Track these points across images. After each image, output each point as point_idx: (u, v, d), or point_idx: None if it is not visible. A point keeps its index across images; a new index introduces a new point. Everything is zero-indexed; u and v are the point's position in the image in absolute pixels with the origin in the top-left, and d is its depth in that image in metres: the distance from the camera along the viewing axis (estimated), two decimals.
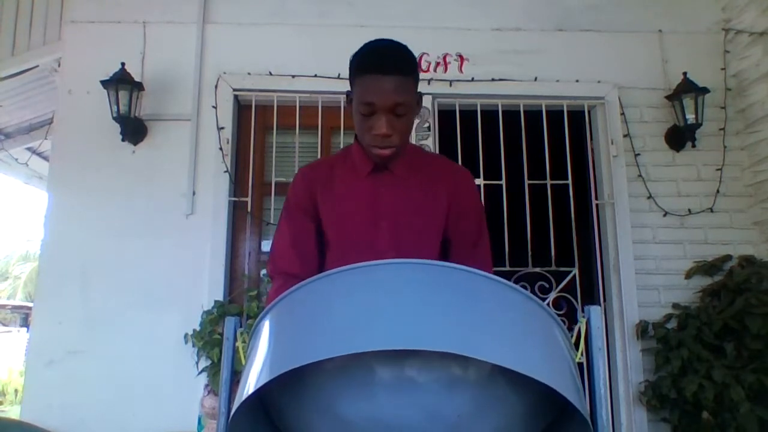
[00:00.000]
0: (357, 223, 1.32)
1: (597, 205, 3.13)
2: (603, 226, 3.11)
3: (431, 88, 3.10)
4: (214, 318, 2.70)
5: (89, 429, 2.70)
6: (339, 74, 3.06)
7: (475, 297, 0.80)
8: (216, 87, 3.07)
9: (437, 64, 3.15)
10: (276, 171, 3.11)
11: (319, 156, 3.10)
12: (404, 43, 1.26)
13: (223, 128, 3.02)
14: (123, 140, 2.96)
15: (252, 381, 0.80)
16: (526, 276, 2.95)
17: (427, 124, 3.08)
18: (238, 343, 0.99)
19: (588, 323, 0.94)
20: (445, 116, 3.16)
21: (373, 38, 1.29)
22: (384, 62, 1.19)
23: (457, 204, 1.36)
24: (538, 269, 3.01)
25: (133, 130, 2.96)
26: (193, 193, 2.96)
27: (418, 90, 1.28)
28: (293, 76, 3.09)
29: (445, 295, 0.79)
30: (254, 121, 3.12)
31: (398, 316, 0.75)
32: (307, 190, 1.36)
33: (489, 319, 0.78)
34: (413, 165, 1.35)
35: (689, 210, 3.08)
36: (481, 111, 3.14)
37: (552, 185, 3.12)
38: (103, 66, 2.92)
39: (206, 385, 2.67)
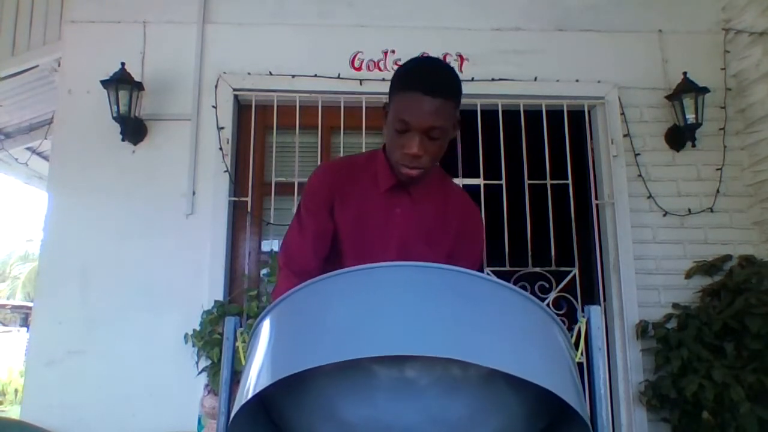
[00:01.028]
0: (369, 238, 1.31)
1: (597, 205, 3.13)
2: (603, 226, 3.11)
3: None
4: (214, 318, 2.70)
5: (89, 429, 2.70)
6: (339, 74, 3.07)
7: (475, 299, 0.80)
8: (216, 87, 3.07)
9: None
10: (276, 171, 3.11)
11: (318, 156, 3.11)
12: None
13: (223, 128, 3.02)
14: (123, 140, 2.96)
15: (252, 383, 0.80)
16: (526, 276, 2.95)
17: None
18: (238, 343, 0.99)
19: (588, 323, 0.94)
20: None
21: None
22: (428, 82, 1.14)
23: (462, 234, 1.36)
24: (538, 269, 3.01)
25: (133, 130, 2.96)
26: (193, 193, 2.96)
27: (457, 114, 1.24)
28: (293, 76, 3.09)
29: (444, 297, 0.79)
30: (254, 121, 3.13)
31: (398, 319, 0.75)
32: (328, 188, 1.33)
33: (488, 321, 0.78)
34: (431, 190, 1.34)
35: (689, 210, 3.08)
36: (481, 111, 3.14)
37: (552, 185, 3.12)
38: (103, 66, 2.92)
39: (206, 385, 2.67)
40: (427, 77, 1.16)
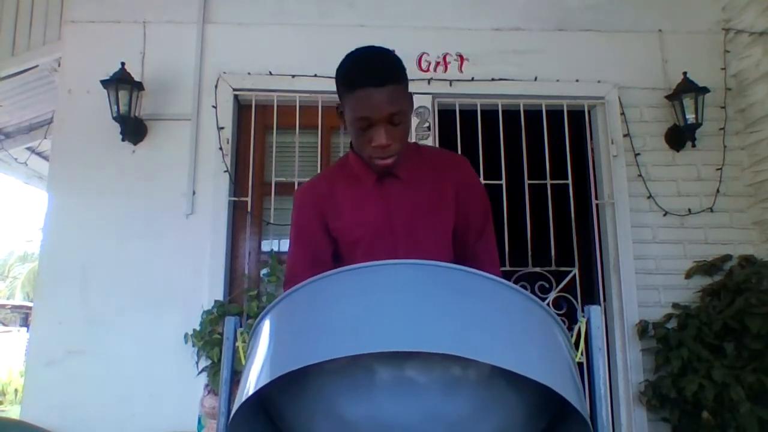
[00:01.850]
0: (372, 233, 1.31)
1: (597, 205, 3.13)
2: (603, 226, 3.11)
3: (431, 88, 3.10)
4: (214, 318, 2.70)
5: (89, 429, 2.70)
6: None
7: (475, 297, 0.80)
8: (216, 87, 3.07)
9: (437, 64, 3.15)
10: (276, 171, 3.11)
11: (318, 156, 3.11)
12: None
13: (223, 128, 3.02)
14: (123, 140, 2.96)
15: (252, 381, 0.80)
16: (526, 276, 2.95)
17: (427, 124, 3.08)
18: (238, 343, 0.99)
19: (588, 323, 0.94)
20: (445, 116, 3.16)
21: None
22: (373, 75, 1.15)
23: (463, 192, 1.36)
24: (538, 269, 3.01)
25: (133, 129, 2.96)
26: (193, 193, 2.96)
27: (409, 91, 1.25)
28: (293, 76, 3.09)
29: (444, 295, 0.79)
30: (254, 121, 3.12)
31: (398, 317, 0.75)
32: (315, 208, 1.34)
33: (489, 319, 0.78)
34: (415, 164, 1.35)
35: (689, 210, 3.08)
36: (481, 111, 3.14)
37: (552, 185, 3.12)
38: (103, 66, 2.92)
39: (206, 385, 2.67)
40: (369, 70, 1.17)
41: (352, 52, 1.23)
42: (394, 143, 1.21)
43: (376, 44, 1.26)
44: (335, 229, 1.33)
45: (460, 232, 1.37)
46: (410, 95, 1.26)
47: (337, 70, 1.23)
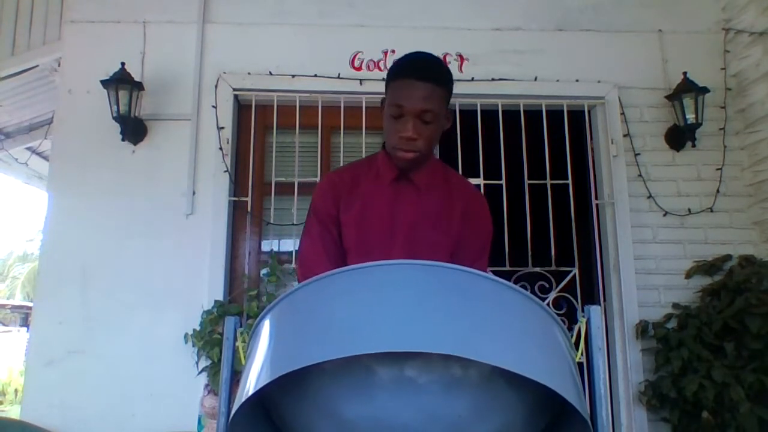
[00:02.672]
0: (375, 230, 1.33)
1: (597, 205, 3.13)
2: (603, 226, 3.11)
3: None
4: (214, 318, 2.70)
5: (89, 429, 2.70)
6: (339, 74, 3.07)
7: (475, 298, 0.80)
8: (216, 87, 3.07)
9: None
10: (276, 171, 3.11)
11: (318, 156, 3.11)
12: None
13: (223, 128, 3.02)
14: (123, 140, 2.96)
15: (252, 381, 0.80)
16: (526, 276, 2.95)
17: None
18: (238, 343, 0.99)
19: (588, 323, 0.94)
20: None
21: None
22: (418, 68, 1.25)
23: (469, 225, 1.38)
24: (538, 269, 3.01)
25: (133, 129, 2.96)
26: (193, 193, 2.96)
27: (449, 106, 1.32)
28: (293, 76, 3.09)
29: (444, 295, 0.79)
30: (254, 121, 3.12)
31: (398, 317, 0.75)
32: (334, 197, 1.37)
33: (489, 319, 0.78)
34: (435, 178, 1.38)
35: (689, 210, 3.08)
36: (481, 111, 3.14)
37: (552, 185, 3.12)
38: (103, 66, 2.92)
39: (206, 385, 2.67)
40: (417, 64, 1.27)
41: (410, 52, 1.32)
42: (419, 139, 1.26)
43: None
44: (343, 218, 1.36)
45: (455, 253, 1.38)
46: (449, 109, 1.33)
47: (393, 62, 1.33)
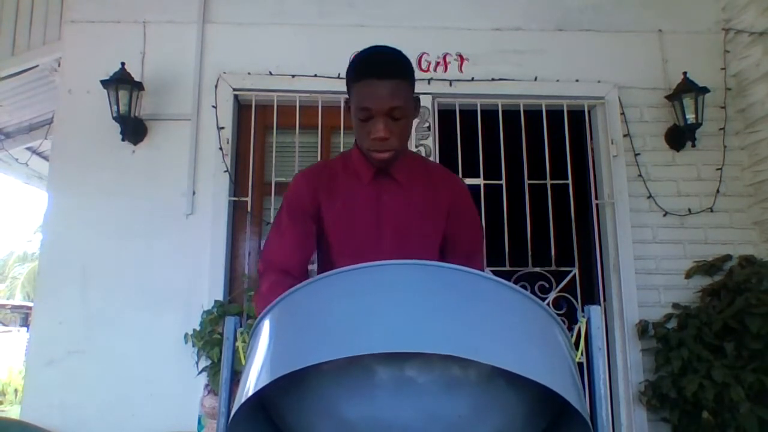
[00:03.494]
0: (361, 229, 1.33)
1: (597, 205, 3.13)
2: (603, 226, 3.11)
3: (431, 88, 3.10)
4: (214, 318, 2.70)
5: (89, 429, 2.70)
6: (339, 74, 3.06)
7: (475, 297, 0.80)
8: (216, 87, 3.07)
9: (437, 64, 3.15)
10: (276, 171, 3.11)
11: (319, 156, 3.11)
12: (405, 43, 1.27)
13: (223, 128, 3.02)
14: (123, 140, 2.96)
15: (252, 382, 0.80)
16: (526, 276, 2.95)
17: (427, 124, 3.08)
18: (238, 343, 0.99)
19: (588, 323, 0.94)
20: (445, 116, 3.16)
21: (373, 38, 1.30)
22: (378, 67, 1.20)
23: (455, 211, 1.38)
24: (538, 269, 3.01)
25: (133, 130, 2.96)
26: (193, 193, 2.96)
27: (416, 93, 1.28)
28: (293, 76, 3.09)
29: (444, 295, 0.79)
30: (254, 121, 3.12)
31: (397, 317, 0.75)
32: (311, 193, 1.36)
33: (489, 320, 0.78)
34: (414, 171, 1.37)
35: (689, 210, 3.08)
36: (481, 111, 3.14)
37: (552, 185, 3.12)
38: (103, 66, 2.92)
39: (206, 385, 2.67)
40: (377, 62, 1.22)
41: (364, 49, 1.27)
42: (392, 138, 1.24)
43: (377, 44, 1.28)
44: (326, 218, 1.35)
45: (447, 250, 1.39)
46: (416, 97, 1.29)
47: (348, 64, 1.27)
